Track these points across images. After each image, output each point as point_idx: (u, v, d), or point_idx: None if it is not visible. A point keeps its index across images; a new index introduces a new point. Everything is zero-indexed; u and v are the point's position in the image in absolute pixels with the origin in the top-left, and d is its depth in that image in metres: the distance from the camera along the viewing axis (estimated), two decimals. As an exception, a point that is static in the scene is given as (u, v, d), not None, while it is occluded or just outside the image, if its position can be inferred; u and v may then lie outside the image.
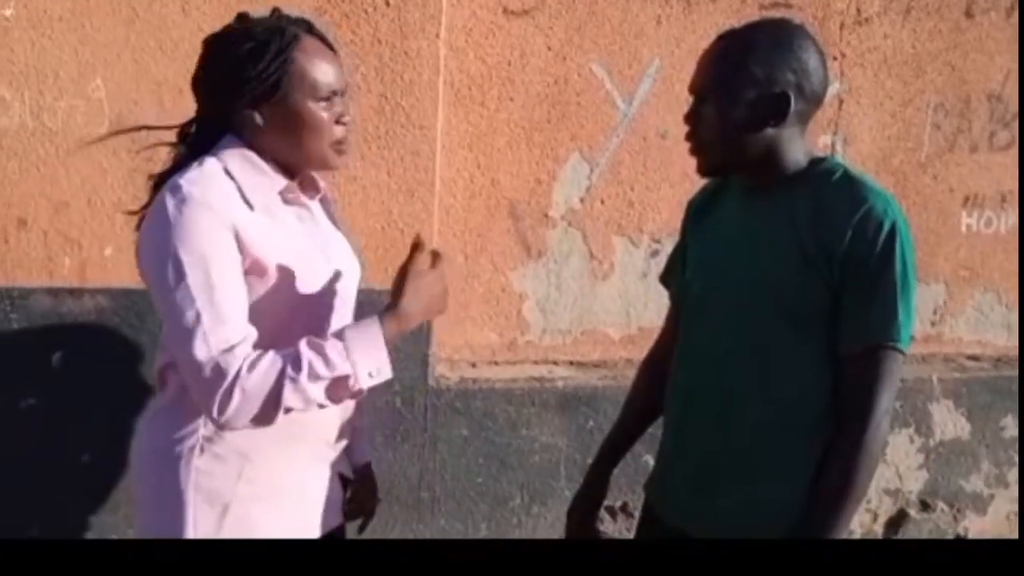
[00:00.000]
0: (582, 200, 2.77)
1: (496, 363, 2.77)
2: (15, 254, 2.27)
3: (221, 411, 1.28)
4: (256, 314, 1.37)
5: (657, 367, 1.74)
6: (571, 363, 2.84)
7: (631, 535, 1.60)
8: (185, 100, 2.28)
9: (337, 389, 1.33)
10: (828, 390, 1.45)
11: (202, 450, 1.42)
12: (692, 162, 1.54)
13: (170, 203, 1.32)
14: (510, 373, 2.72)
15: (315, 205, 1.55)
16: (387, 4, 2.37)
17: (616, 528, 2.74)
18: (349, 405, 1.55)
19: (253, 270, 1.37)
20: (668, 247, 1.85)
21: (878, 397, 1.40)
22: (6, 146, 2.22)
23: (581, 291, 2.82)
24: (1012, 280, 3.19)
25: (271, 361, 1.30)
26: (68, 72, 2.23)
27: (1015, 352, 3.23)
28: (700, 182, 1.69)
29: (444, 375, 2.64)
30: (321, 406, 1.35)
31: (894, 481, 3.02)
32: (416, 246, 1.40)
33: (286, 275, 1.40)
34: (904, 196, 3.04)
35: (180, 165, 1.43)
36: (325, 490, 1.56)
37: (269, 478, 1.46)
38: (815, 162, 1.49)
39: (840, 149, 2.96)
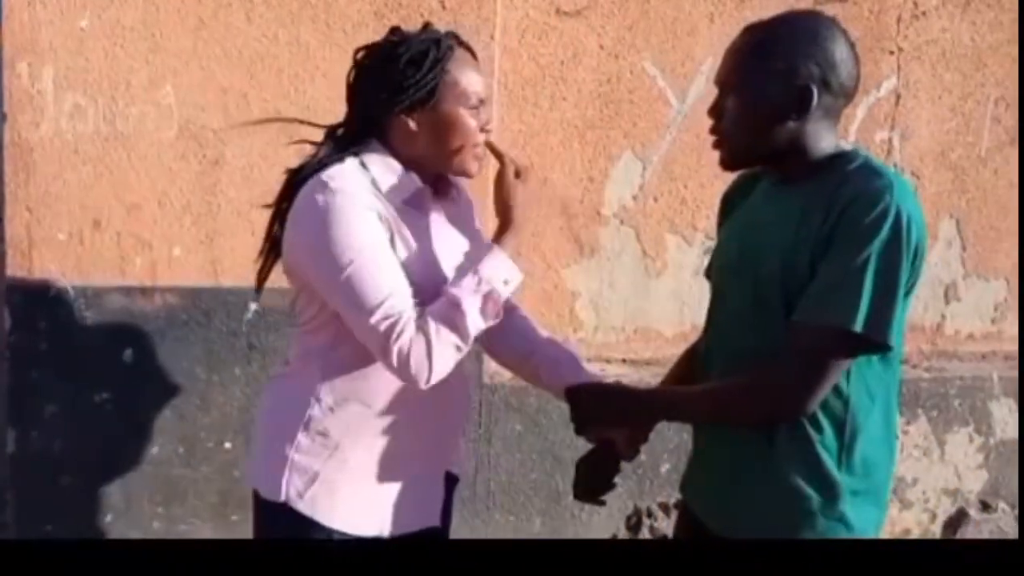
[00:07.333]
0: (635, 198, 2.79)
1: (550, 360, 2.79)
2: (90, 254, 2.36)
3: (404, 367, 1.39)
4: None
5: (694, 359, 1.73)
6: (624, 361, 2.85)
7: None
8: (249, 105, 2.38)
9: (487, 307, 1.44)
10: (847, 381, 1.40)
11: (306, 427, 1.52)
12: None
13: (319, 198, 1.43)
14: (564, 370, 2.74)
15: (450, 210, 1.63)
16: (443, 7, 2.41)
17: (668, 525, 2.75)
18: (448, 405, 1.61)
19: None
20: (722, 245, 1.86)
21: (808, 370, 1.34)
22: (82, 151, 2.32)
23: (634, 289, 2.83)
24: (1076, 276, 3.12)
25: (433, 313, 1.42)
26: (139, 80, 2.32)
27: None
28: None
29: (498, 372, 2.67)
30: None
31: (953, 480, 2.98)
32: (499, 155, 1.55)
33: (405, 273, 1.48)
34: (963, 191, 2.99)
35: (322, 164, 1.51)
36: (421, 488, 1.60)
37: (359, 462, 1.53)
38: (840, 155, 1.45)
39: (897, 145, 2.93)
